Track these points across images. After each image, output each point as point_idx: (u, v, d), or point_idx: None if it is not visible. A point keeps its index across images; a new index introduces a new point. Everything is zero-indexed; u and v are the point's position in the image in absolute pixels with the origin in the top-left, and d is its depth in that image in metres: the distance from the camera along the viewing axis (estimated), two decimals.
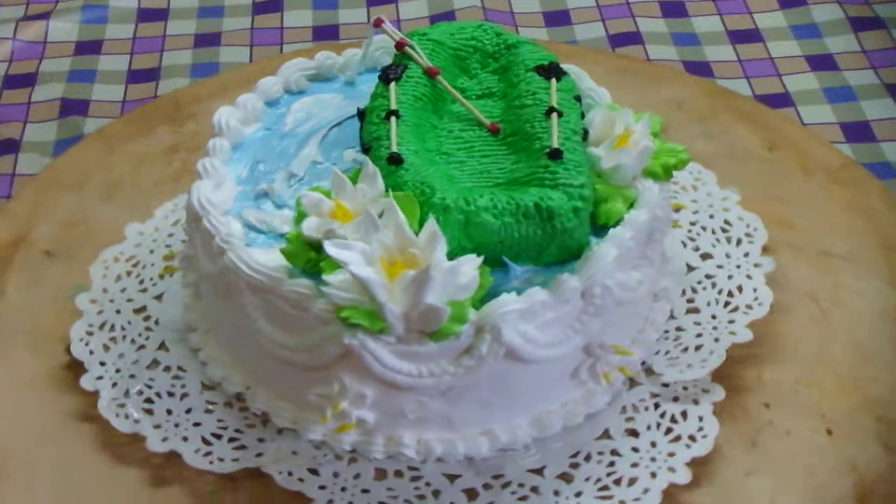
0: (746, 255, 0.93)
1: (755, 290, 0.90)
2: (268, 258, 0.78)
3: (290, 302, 0.76)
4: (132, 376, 0.87)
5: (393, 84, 0.84)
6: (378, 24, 0.87)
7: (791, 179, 1.02)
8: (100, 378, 0.86)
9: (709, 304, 0.90)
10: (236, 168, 0.87)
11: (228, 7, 1.37)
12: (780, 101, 1.20)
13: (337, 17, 1.35)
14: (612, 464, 0.81)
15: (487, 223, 0.75)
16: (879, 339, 0.89)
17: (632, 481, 0.79)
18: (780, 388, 0.86)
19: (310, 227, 0.75)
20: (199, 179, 0.84)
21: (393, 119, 0.81)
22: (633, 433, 0.82)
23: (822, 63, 1.25)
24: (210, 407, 0.85)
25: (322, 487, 0.80)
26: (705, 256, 0.94)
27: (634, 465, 0.80)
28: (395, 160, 0.78)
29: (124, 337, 0.90)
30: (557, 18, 1.34)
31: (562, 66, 0.86)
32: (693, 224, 0.96)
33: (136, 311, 0.92)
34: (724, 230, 0.96)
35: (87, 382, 0.86)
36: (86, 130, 1.20)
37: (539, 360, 0.77)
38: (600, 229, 0.79)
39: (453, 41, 0.88)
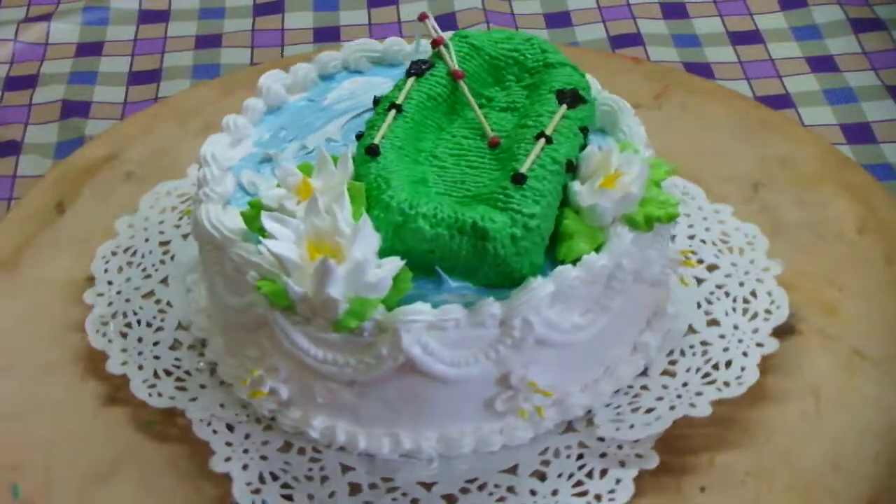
0: (755, 331, 0.88)
1: (743, 369, 0.86)
2: (229, 219, 0.79)
3: (233, 263, 0.78)
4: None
5: (412, 79, 0.84)
6: (422, 18, 0.87)
7: (862, 266, 0.95)
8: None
9: (688, 370, 0.86)
10: (262, 130, 0.89)
11: (229, 9, 1.37)
12: (781, 102, 1.20)
13: (338, 18, 1.35)
14: (502, 499, 0.79)
15: (421, 230, 0.74)
16: (864, 454, 0.82)
17: None
18: (726, 476, 0.80)
19: (270, 196, 0.77)
20: (220, 132, 0.87)
21: (392, 112, 0.81)
22: (541, 476, 0.80)
23: (822, 64, 1.25)
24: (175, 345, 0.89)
25: (228, 444, 0.82)
26: (712, 323, 0.89)
27: None
28: (372, 151, 0.79)
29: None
30: (558, 20, 1.34)
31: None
32: (719, 287, 0.92)
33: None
34: (745, 300, 0.91)
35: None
36: (87, 132, 1.20)
37: (443, 377, 0.76)
38: (558, 264, 0.77)
39: (494, 49, 0.87)
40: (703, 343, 0.88)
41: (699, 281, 0.92)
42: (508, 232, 0.74)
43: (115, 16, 1.37)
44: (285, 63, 0.95)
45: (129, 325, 0.91)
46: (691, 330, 0.89)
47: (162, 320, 0.92)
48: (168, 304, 0.93)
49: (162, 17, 1.37)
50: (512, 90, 0.86)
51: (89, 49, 1.32)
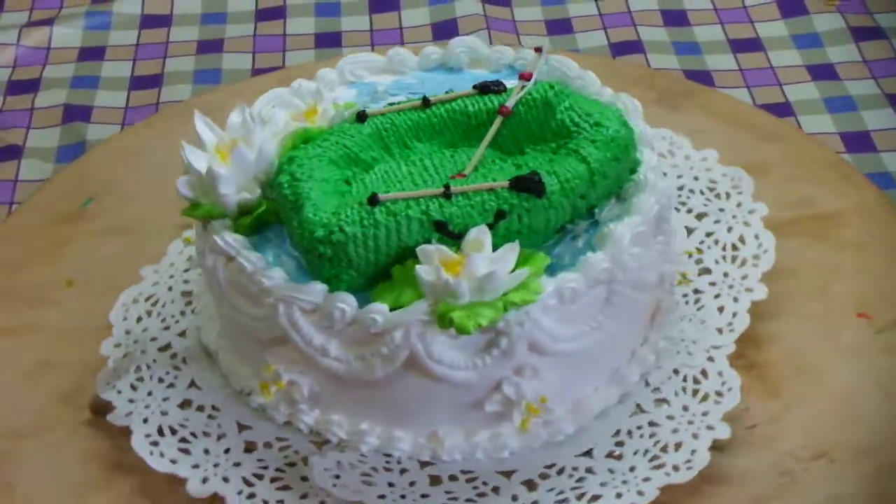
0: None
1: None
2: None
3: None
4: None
5: (473, 91, 0.83)
6: (538, 50, 0.87)
7: None
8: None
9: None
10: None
11: (231, 14, 1.38)
12: (781, 110, 1.20)
13: (339, 24, 1.36)
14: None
15: (282, 185, 0.77)
16: None
17: None
18: None
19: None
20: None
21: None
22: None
23: (822, 72, 1.25)
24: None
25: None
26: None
27: None
28: (360, 117, 0.82)
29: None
30: (559, 27, 1.34)
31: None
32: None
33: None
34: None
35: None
36: (88, 137, 1.20)
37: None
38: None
39: (564, 113, 0.81)
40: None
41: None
42: (324, 232, 0.73)
43: (117, 20, 1.37)
44: (285, 74, 0.96)
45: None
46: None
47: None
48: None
49: (164, 21, 1.37)
50: (536, 151, 0.81)
51: (91, 54, 1.33)
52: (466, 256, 0.72)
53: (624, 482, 0.78)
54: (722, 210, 0.95)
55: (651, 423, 0.82)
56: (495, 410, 0.78)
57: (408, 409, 0.80)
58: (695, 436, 0.80)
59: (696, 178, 0.99)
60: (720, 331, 0.87)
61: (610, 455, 0.80)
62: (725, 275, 0.91)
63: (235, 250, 0.78)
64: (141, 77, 1.29)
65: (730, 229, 0.94)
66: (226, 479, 0.79)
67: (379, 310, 0.74)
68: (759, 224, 0.94)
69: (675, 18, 1.34)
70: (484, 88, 0.83)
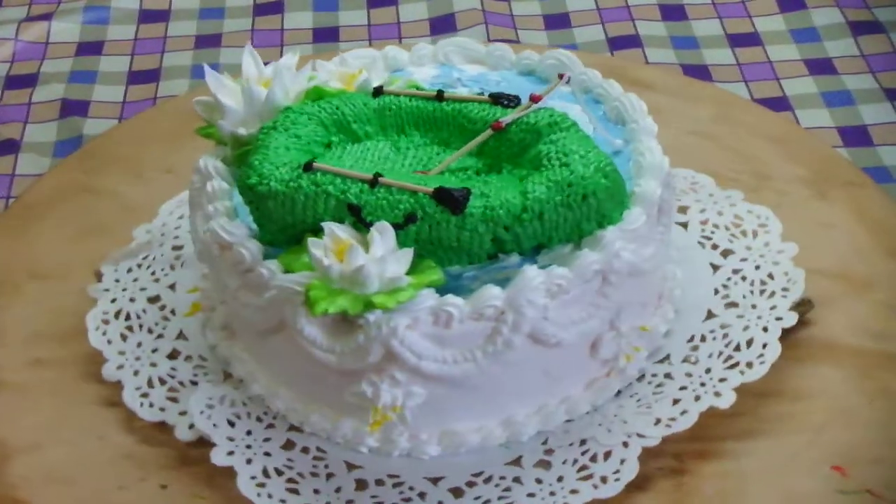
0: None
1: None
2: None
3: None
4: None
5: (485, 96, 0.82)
6: (561, 76, 0.83)
7: None
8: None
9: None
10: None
11: (229, 8, 1.38)
12: (778, 104, 1.20)
13: (337, 18, 1.36)
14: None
15: (262, 129, 0.80)
16: None
17: None
18: None
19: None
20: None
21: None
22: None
23: (820, 67, 1.25)
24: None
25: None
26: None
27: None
28: (376, 91, 0.83)
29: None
30: (557, 21, 1.34)
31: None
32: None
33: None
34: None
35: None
36: (85, 132, 1.20)
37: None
38: None
39: (547, 142, 0.78)
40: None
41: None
42: (255, 174, 0.76)
43: (115, 15, 1.37)
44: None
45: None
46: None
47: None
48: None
49: (162, 16, 1.37)
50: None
51: (89, 48, 1.33)
52: (351, 245, 0.72)
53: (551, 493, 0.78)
54: (749, 248, 0.92)
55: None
56: (353, 402, 0.78)
57: (290, 370, 0.82)
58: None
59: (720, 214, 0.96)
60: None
61: (539, 464, 0.80)
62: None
63: (210, 191, 0.81)
64: (139, 72, 1.30)
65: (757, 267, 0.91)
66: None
67: (271, 267, 0.76)
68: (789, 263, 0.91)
69: (673, 13, 1.34)
70: (497, 99, 0.81)
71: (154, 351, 0.89)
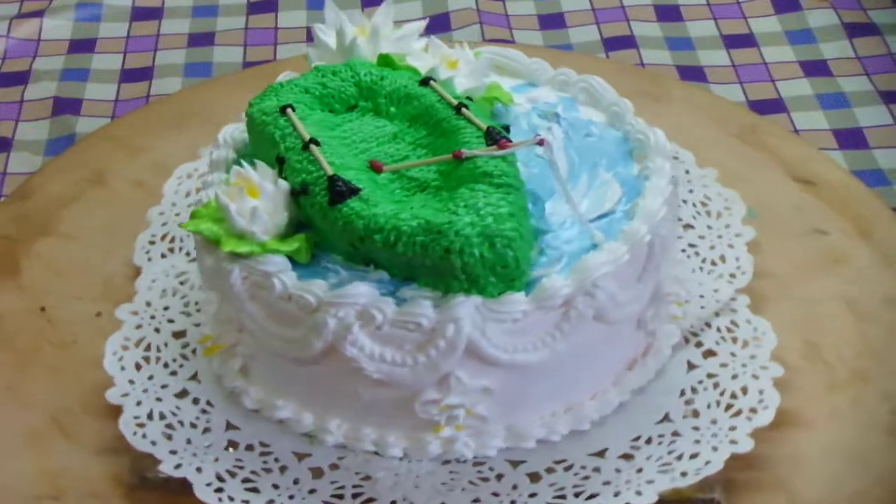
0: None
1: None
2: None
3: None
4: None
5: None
6: (540, 143, 0.77)
7: None
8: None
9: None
10: None
11: (223, 7, 1.37)
12: (773, 107, 1.20)
13: None
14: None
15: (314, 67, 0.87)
16: None
17: None
18: None
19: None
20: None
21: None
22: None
23: (815, 69, 1.25)
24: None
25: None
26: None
27: None
28: (424, 81, 0.85)
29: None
30: (552, 21, 1.33)
31: None
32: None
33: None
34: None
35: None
36: (78, 129, 1.20)
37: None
38: None
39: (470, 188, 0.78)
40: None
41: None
42: (255, 100, 0.84)
43: (108, 13, 1.37)
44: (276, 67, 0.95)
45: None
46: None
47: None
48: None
49: (155, 14, 1.37)
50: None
51: (82, 46, 1.32)
52: (260, 191, 0.77)
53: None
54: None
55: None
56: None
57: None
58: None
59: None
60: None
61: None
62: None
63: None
64: (131, 70, 1.29)
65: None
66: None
67: (215, 181, 0.81)
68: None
69: (668, 13, 1.34)
70: (489, 134, 0.79)
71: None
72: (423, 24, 0.91)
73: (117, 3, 1.38)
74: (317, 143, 0.78)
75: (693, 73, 1.24)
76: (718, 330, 0.88)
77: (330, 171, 0.76)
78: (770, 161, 1.03)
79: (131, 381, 0.86)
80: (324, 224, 0.76)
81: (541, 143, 0.77)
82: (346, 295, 0.75)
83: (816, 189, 1.00)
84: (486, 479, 0.80)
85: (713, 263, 0.93)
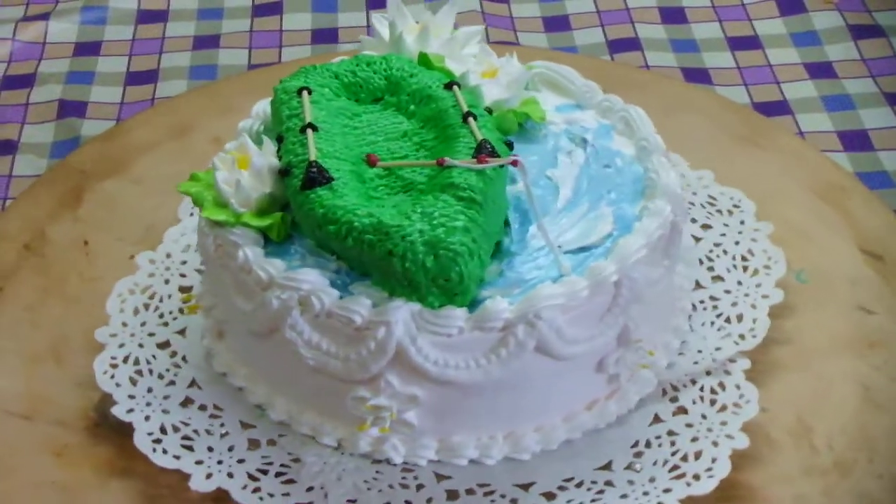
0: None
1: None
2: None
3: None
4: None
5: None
6: (515, 164, 0.77)
7: None
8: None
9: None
10: None
11: (228, 9, 1.37)
12: (778, 108, 1.19)
13: (336, 20, 1.35)
14: None
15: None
16: None
17: None
18: None
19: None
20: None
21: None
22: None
23: (820, 71, 1.25)
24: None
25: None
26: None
27: None
28: (448, 85, 0.85)
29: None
30: (557, 24, 1.33)
31: None
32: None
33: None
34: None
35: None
36: (83, 132, 1.20)
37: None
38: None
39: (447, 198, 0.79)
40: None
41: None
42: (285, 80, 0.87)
43: (113, 15, 1.37)
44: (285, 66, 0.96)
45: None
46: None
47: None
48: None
49: (160, 17, 1.37)
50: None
51: (87, 49, 1.32)
52: (250, 164, 0.80)
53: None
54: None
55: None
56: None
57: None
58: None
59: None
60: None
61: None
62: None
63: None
64: (137, 73, 1.29)
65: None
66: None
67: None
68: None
69: (673, 16, 1.34)
70: (479, 147, 0.78)
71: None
72: (480, 28, 0.92)
73: (123, 5, 1.38)
74: (314, 129, 0.80)
75: (698, 76, 1.24)
76: (702, 389, 0.85)
77: (313, 156, 0.78)
78: (843, 224, 0.98)
79: (124, 324, 0.90)
80: (294, 206, 0.78)
81: (514, 163, 0.76)
82: (292, 278, 0.76)
83: (882, 265, 0.94)
84: (405, 487, 0.80)
85: (727, 321, 0.90)
